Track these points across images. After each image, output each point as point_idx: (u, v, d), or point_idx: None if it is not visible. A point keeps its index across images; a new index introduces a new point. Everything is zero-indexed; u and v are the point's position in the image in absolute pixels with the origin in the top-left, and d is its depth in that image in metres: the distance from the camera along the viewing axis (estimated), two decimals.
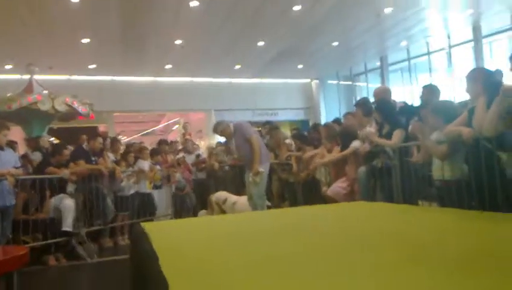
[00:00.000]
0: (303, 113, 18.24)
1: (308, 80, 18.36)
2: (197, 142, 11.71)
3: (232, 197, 6.91)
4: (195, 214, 7.99)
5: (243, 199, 6.51)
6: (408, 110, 5.31)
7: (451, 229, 2.56)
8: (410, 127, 4.56)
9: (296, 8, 10.10)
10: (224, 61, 14.30)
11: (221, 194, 7.14)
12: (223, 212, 6.78)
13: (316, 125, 7.97)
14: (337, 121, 7.41)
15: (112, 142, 8.33)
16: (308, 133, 7.87)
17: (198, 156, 9.43)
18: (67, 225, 5.74)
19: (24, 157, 7.02)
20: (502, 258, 1.78)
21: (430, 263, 1.76)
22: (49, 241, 5.60)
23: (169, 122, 20.08)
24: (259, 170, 5.87)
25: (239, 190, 7.49)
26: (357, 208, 3.97)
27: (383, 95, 5.62)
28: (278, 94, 17.34)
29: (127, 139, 17.22)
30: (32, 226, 5.59)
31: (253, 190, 6.00)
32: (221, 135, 6.56)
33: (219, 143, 9.81)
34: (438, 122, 3.82)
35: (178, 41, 11.97)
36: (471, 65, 11.87)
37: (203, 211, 7.81)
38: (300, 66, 16.01)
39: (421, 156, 4.22)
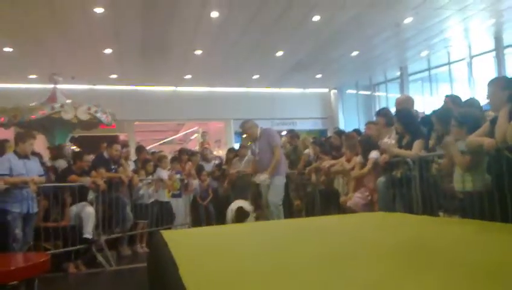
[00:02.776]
0: (321, 123, 18.19)
1: (326, 90, 18.32)
2: (215, 152, 11.75)
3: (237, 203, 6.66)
4: (213, 224, 7.97)
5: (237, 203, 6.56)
6: (430, 121, 5.24)
7: (471, 241, 2.52)
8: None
9: (316, 18, 10.12)
10: (243, 71, 14.39)
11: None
12: None
13: (339, 132, 7.93)
14: (356, 131, 7.36)
15: (137, 150, 8.47)
16: (326, 139, 7.83)
17: (217, 165, 9.44)
18: (88, 232, 5.81)
19: (44, 164, 7.15)
20: None
21: (447, 274, 1.74)
22: (70, 248, 5.67)
23: (188, 131, 20.22)
24: (271, 176, 6.16)
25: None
26: (376, 218, 3.94)
27: (405, 105, 5.56)
28: (296, 104, 17.35)
29: (147, 148, 17.37)
30: (53, 234, 5.67)
31: (270, 197, 6.14)
32: (246, 133, 6.59)
33: (232, 149, 9.79)
34: (460, 133, 3.77)
35: (198, 52, 12.09)
36: (492, 75, 11.70)
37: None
38: (319, 76, 16.00)
39: (444, 165, 4.16)
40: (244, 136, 7.40)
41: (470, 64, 13.24)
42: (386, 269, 1.87)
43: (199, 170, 8.65)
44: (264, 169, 6.23)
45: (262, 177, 6.21)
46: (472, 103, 4.84)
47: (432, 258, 2.03)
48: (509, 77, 4.85)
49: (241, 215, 6.17)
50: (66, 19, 9.28)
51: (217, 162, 9.70)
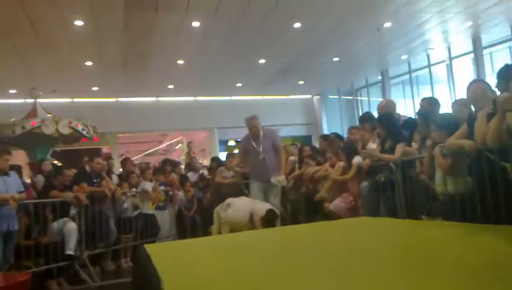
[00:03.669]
0: (305, 129, 18.28)
1: (309, 96, 18.43)
2: (200, 161, 11.70)
3: (228, 200, 6.13)
4: (200, 235, 7.89)
5: (239, 200, 6.06)
6: (411, 124, 5.27)
7: (453, 243, 2.53)
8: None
9: (297, 25, 10.18)
10: (225, 80, 14.41)
11: (224, 203, 6.25)
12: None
13: (325, 136, 7.93)
14: (335, 134, 7.39)
15: (122, 162, 8.38)
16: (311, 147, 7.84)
17: (201, 175, 9.39)
18: (70, 249, 5.70)
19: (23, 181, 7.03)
20: (506, 271, 1.75)
21: (431, 277, 1.74)
22: (52, 265, 5.55)
23: (172, 141, 20.13)
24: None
25: None
26: (360, 223, 3.94)
27: (387, 109, 5.59)
28: (280, 110, 17.39)
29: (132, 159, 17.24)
30: (35, 251, 5.55)
31: (274, 198, 6.18)
32: (251, 130, 6.44)
33: (216, 158, 9.76)
34: (440, 136, 3.79)
35: (180, 62, 12.07)
36: (472, 76, 11.88)
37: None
38: (301, 82, 16.09)
39: (425, 168, 4.18)
40: (232, 143, 7.34)
41: (449, 66, 13.43)
42: (374, 275, 1.86)
43: (183, 180, 8.58)
44: (269, 168, 6.24)
45: (280, 178, 6.24)
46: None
47: (416, 262, 2.04)
48: (487, 79, 4.88)
49: (272, 219, 5.55)
50: (46, 32, 9.20)
51: (205, 172, 9.66)
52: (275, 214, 5.64)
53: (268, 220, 5.48)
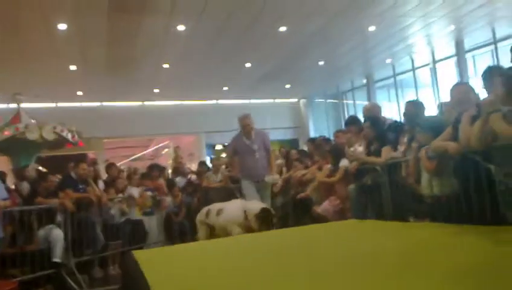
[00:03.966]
0: (292, 133, 18.32)
1: (296, 100, 18.49)
2: (187, 166, 11.67)
3: (216, 206, 5.83)
4: (188, 240, 7.84)
5: (231, 203, 5.76)
6: (397, 127, 5.32)
7: (441, 244, 2.57)
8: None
9: (282, 29, 10.22)
10: (212, 84, 14.38)
11: (203, 209, 6.10)
12: (211, 228, 5.78)
13: (312, 139, 7.98)
14: (324, 138, 7.45)
15: (107, 168, 8.29)
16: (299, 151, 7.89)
17: (189, 180, 9.36)
18: (57, 256, 5.63)
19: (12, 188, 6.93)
20: (490, 271, 1.78)
21: (420, 277, 1.76)
22: (38, 273, 5.46)
23: (159, 146, 20.02)
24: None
25: None
26: (347, 226, 3.96)
27: (372, 112, 5.65)
28: (266, 114, 17.36)
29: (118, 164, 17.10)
30: (21, 259, 5.46)
31: (266, 198, 6.24)
32: (244, 128, 6.41)
33: (202, 163, 9.77)
34: (426, 138, 3.84)
35: (165, 65, 12.02)
36: (455, 79, 12.05)
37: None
38: (287, 86, 16.14)
39: (411, 170, 4.22)
40: (219, 147, 7.35)
41: (433, 70, 13.60)
42: (363, 277, 1.88)
43: (171, 185, 8.54)
44: (261, 168, 6.31)
45: (275, 177, 6.43)
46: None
47: (404, 264, 2.06)
48: (470, 82, 4.96)
49: (267, 218, 5.22)
50: (29, 36, 9.07)
51: (193, 176, 9.64)
52: (270, 212, 5.37)
53: (263, 217, 5.19)
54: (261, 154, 6.32)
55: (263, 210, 5.25)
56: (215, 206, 5.84)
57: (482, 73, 3.71)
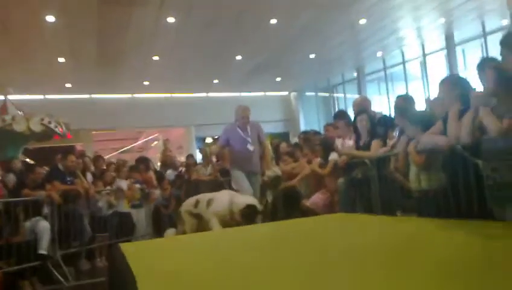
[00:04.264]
0: (283, 126, 18.32)
1: (286, 93, 18.48)
2: (177, 159, 11.61)
3: (206, 196, 5.50)
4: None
5: (221, 194, 5.47)
6: (387, 121, 5.32)
7: (427, 239, 2.57)
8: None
9: (273, 21, 10.17)
10: (202, 76, 14.31)
11: (190, 200, 5.67)
12: (199, 219, 5.42)
13: (306, 132, 7.95)
14: (315, 132, 7.44)
15: (94, 160, 8.23)
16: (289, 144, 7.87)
17: (178, 173, 9.33)
18: (43, 248, 5.57)
19: None
20: (477, 266, 1.79)
21: (407, 271, 1.76)
22: (24, 265, 5.41)
23: (148, 138, 19.91)
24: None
25: None
26: (336, 220, 3.96)
27: (362, 106, 5.64)
28: (257, 107, 17.21)
29: (106, 157, 17.00)
30: (6, 251, 5.39)
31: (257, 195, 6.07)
32: (242, 118, 6.32)
33: (191, 155, 9.73)
34: (414, 132, 3.84)
35: (155, 58, 11.92)
36: (445, 72, 12.11)
37: (171, 230, 6.06)
38: (278, 79, 16.11)
39: (399, 164, 4.22)
40: (209, 140, 7.29)
41: (423, 63, 13.65)
42: (351, 271, 1.88)
43: (160, 178, 8.50)
44: (255, 160, 6.17)
45: (276, 169, 6.44)
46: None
47: (391, 257, 2.06)
48: (459, 76, 4.96)
49: (251, 215, 4.97)
50: (17, 28, 8.94)
51: (183, 169, 9.59)
52: (255, 209, 5.07)
53: (247, 214, 4.96)
54: (256, 147, 6.20)
55: (248, 206, 5.01)
56: (205, 196, 5.51)
57: (476, 65, 3.72)
